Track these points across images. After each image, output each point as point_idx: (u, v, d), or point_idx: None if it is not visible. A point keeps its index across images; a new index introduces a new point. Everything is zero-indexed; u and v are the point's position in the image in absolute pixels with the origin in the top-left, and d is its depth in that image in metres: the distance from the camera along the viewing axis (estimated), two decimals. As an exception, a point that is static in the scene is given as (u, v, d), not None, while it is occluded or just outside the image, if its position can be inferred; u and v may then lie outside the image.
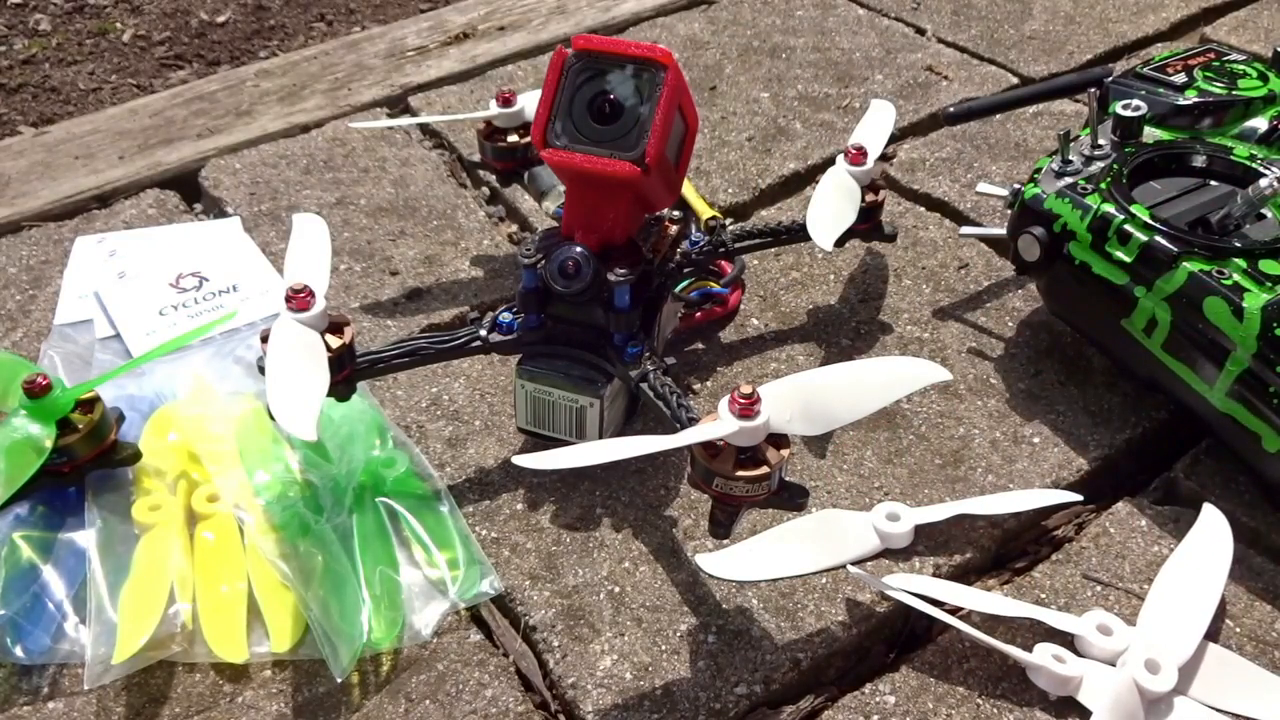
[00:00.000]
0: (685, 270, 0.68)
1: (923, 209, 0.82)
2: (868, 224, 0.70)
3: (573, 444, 0.47)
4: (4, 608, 0.52)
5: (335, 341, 0.55)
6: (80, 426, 0.55)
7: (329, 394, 0.56)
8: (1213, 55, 0.73)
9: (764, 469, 0.46)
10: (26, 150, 0.91)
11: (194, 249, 0.78)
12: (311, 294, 0.54)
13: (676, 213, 0.62)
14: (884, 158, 0.87)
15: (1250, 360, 0.54)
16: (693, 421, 0.51)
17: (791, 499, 0.49)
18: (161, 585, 0.52)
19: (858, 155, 0.68)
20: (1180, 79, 0.70)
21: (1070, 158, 0.64)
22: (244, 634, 0.52)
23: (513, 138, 0.73)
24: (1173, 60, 0.72)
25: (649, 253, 0.59)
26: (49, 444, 0.54)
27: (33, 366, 0.57)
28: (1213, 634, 0.52)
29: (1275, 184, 0.58)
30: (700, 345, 0.70)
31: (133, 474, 0.58)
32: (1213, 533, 0.55)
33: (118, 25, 1.38)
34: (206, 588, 0.53)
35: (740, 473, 0.46)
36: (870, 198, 0.69)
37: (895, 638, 0.54)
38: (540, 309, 0.58)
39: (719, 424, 0.45)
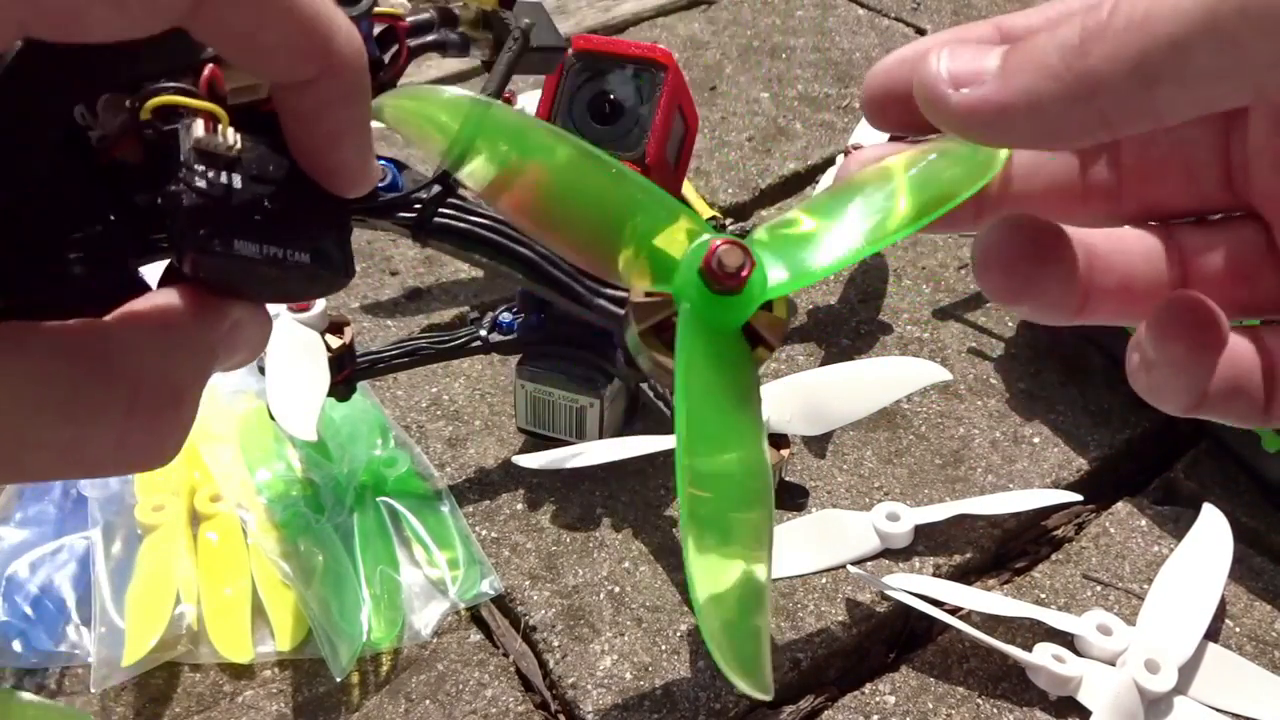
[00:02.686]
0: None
1: (923, 209, 0.82)
2: (868, 224, 0.70)
3: (573, 444, 0.47)
4: (6, 610, 0.52)
5: (335, 342, 0.55)
6: None
7: (329, 394, 0.56)
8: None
9: (764, 469, 0.46)
10: (27, 150, 0.91)
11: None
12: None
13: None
14: (884, 158, 0.87)
15: (1250, 360, 0.54)
16: (693, 421, 0.51)
17: (791, 499, 0.49)
18: (167, 587, 0.52)
19: (858, 155, 0.68)
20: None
21: (1070, 158, 0.64)
22: (249, 634, 0.52)
23: (513, 138, 0.73)
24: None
25: (649, 253, 0.58)
26: None
27: None
28: (1213, 634, 0.52)
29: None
30: (700, 345, 0.70)
31: (134, 475, 0.58)
32: (1213, 533, 0.55)
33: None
34: (211, 589, 0.53)
35: (740, 473, 0.46)
36: (870, 198, 0.68)
37: (895, 638, 0.54)
38: (541, 309, 0.58)
39: (719, 424, 0.45)
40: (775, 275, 0.27)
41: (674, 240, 0.28)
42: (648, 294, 0.29)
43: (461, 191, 0.40)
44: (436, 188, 0.36)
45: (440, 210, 0.31)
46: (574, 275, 0.37)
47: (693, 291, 0.28)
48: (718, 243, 0.27)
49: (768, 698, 0.27)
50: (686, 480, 0.26)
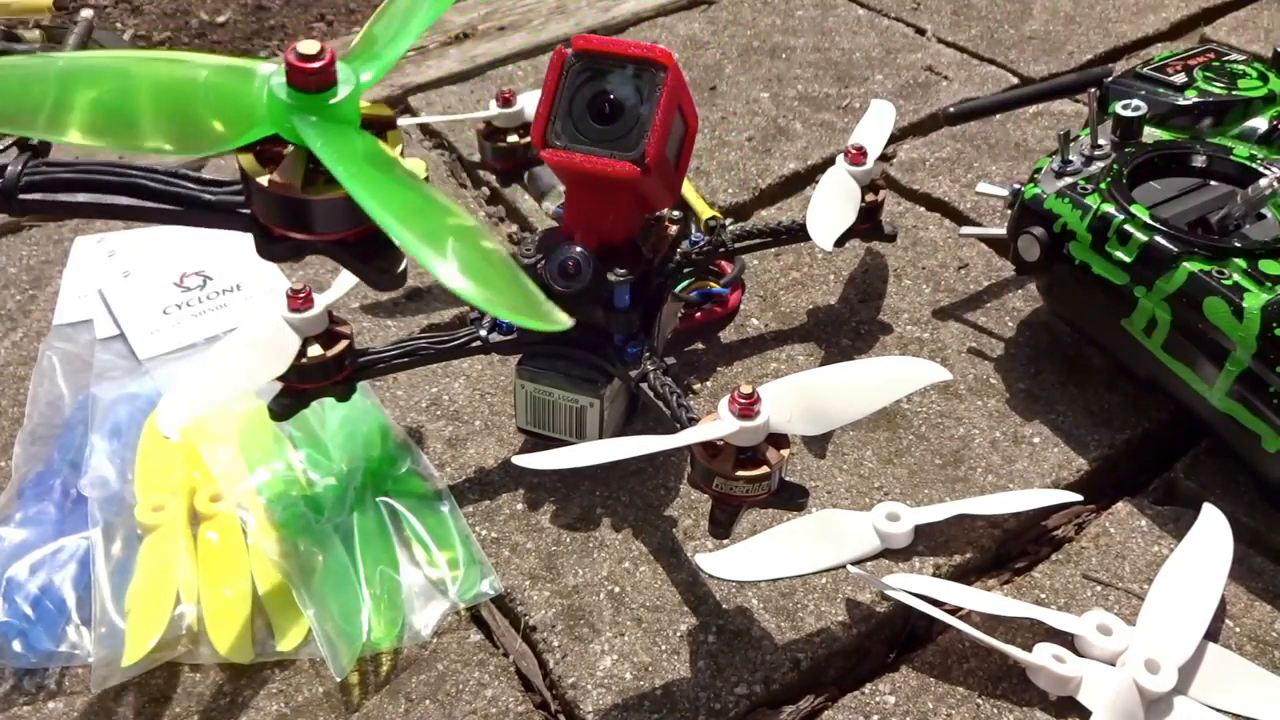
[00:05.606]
0: (685, 270, 0.68)
1: (923, 209, 0.82)
2: (868, 224, 0.70)
3: (573, 444, 0.47)
4: (6, 610, 0.52)
5: (315, 350, 0.55)
6: None
7: (329, 394, 0.56)
8: (1213, 55, 0.73)
9: (764, 469, 0.46)
10: (27, 150, 0.91)
11: (196, 248, 0.78)
12: (310, 297, 0.54)
13: (676, 213, 0.62)
14: (884, 158, 0.87)
15: (1250, 360, 0.54)
16: (693, 421, 0.51)
17: (791, 499, 0.49)
18: (167, 587, 0.52)
19: (858, 155, 0.68)
20: (1180, 79, 0.70)
21: (1070, 158, 0.64)
22: (249, 635, 0.52)
23: (512, 138, 0.73)
24: (1173, 60, 0.72)
25: (649, 253, 0.59)
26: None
27: None
28: (1213, 634, 0.52)
29: (1275, 184, 0.58)
30: (700, 345, 0.70)
31: (134, 475, 0.58)
32: (1213, 533, 0.55)
33: (118, 25, 1.38)
34: (211, 589, 0.53)
35: (740, 473, 0.46)
36: (870, 198, 0.69)
37: (895, 638, 0.54)
38: (540, 309, 0.58)
39: (719, 424, 0.45)
40: (365, 74, 0.31)
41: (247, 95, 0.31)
42: (261, 159, 0.32)
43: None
44: (15, 151, 0.35)
45: (28, 171, 0.31)
46: (189, 183, 0.37)
47: (297, 108, 0.30)
48: (291, 50, 0.30)
49: (561, 325, 0.32)
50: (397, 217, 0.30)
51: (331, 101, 0.30)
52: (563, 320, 0.32)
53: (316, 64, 0.30)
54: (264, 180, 0.33)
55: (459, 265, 0.31)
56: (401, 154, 0.36)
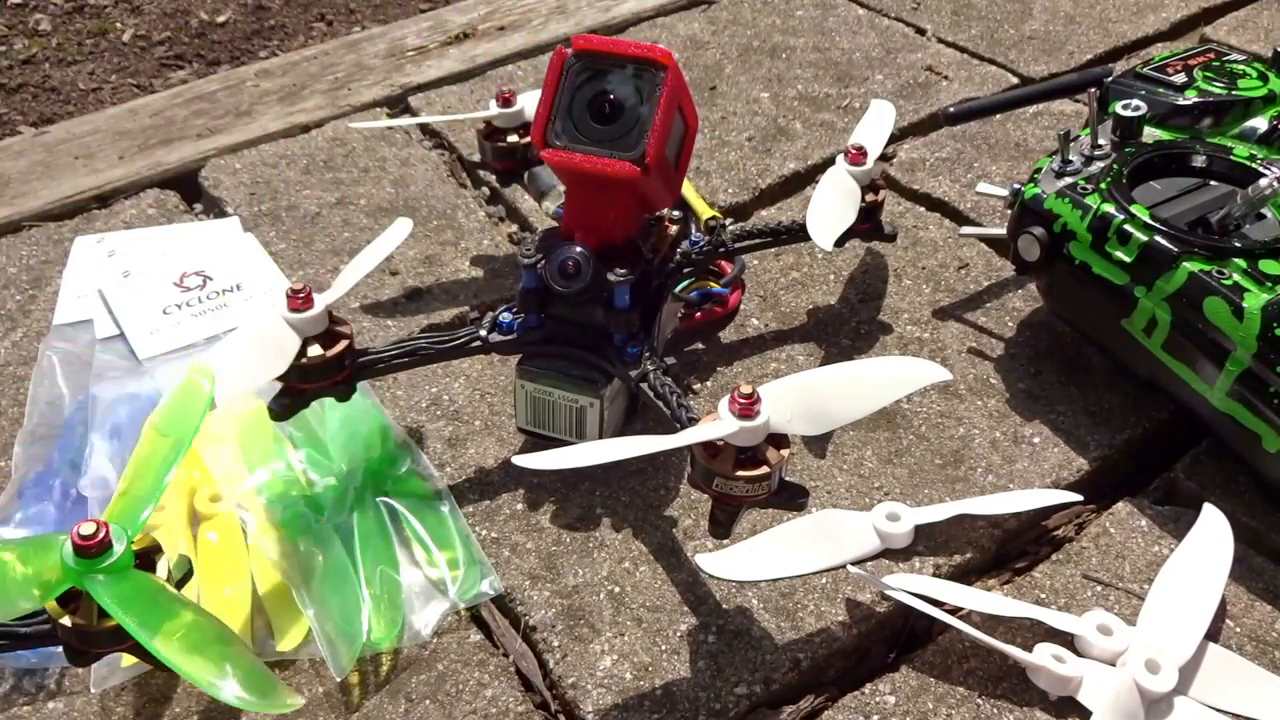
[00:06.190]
0: (685, 270, 0.68)
1: (923, 209, 0.82)
2: (868, 224, 0.70)
3: (573, 444, 0.47)
4: (6, 610, 0.52)
5: (334, 345, 0.55)
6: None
7: (329, 394, 0.56)
8: (1213, 55, 0.73)
9: (764, 469, 0.46)
10: (26, 150, 0.91)
11: (196, 248, 0.78)
12: (310, 297, 0.54)
13: (676, 213, 0.62)
14: (884, 158, 0.87)
15: (1250, 360, 0.54)
16: (693, 421, 0.51)
17: (791, 499, 0.49)
18: (164, 586, 0.52)
19: (858, 155, 0.68)
20: (1180, 79, 0.70)
21: (1070, 158, 0.64)
22: (249, 635, 0.52)
23: (512, 138, 0.73)
24: (1173, 60, 0.72)
25: (649, 253, 0.59)
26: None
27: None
28: (1213, 634, 0.52)
29: (1275, 184, 0.58)
30: (700, 345, 0.70)
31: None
32: (1213, 533, 0.55)
33: (118, 25, 1.38)
34: (210, 589, 0.53)
35: (740, 473, 0.46)
36: (870, 198, 0.69)
37: (895, 638, 0.54)
38: (540, 309, 0.58)
39: (719, 424, 0.45)
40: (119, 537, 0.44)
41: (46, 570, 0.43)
42: (69, 612, 0.44)
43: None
44: None
45: None
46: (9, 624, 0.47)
47: (84, 572, 0.42)
48: (75, 532, 0.42)
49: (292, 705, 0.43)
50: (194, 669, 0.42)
51: (108, 562, 0.43)
52: (292, 703, 0.44)
53: (94, 540, 0.43)
54: (66, 621, 0.44)
55: (210, 667, 0.43)
56: (167, 568, 0.46)
